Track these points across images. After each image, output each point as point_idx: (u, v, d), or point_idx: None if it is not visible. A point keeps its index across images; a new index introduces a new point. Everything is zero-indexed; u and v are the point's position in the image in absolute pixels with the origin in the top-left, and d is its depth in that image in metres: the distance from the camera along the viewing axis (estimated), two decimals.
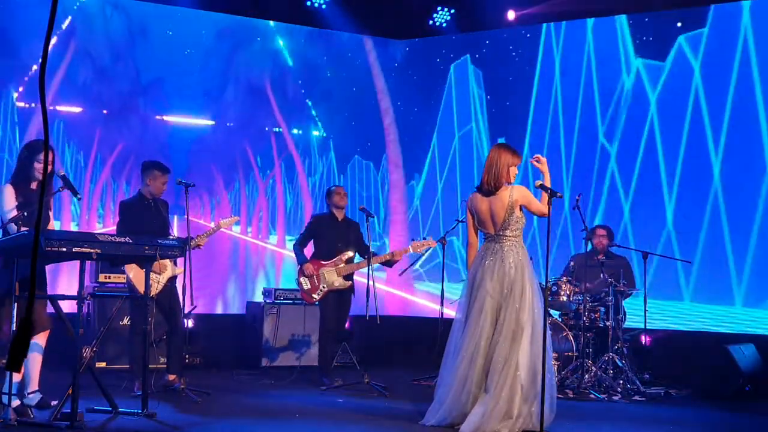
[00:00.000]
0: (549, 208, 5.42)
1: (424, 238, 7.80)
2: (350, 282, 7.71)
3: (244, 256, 10.42)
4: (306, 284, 7.63)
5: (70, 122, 9.31)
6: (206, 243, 7.11)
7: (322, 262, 7.64)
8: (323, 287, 7.58)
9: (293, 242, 7.96)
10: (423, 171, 10.96)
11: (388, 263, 7.80)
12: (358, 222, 8.01)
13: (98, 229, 9.26)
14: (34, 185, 5.52)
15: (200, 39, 10.00)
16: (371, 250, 7.44)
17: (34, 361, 5.41)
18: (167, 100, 9.84)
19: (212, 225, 7.43)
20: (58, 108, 9.24)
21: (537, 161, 5.74)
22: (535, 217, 6.11)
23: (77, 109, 9.37)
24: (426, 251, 8.19)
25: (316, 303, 7.72)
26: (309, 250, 7.88)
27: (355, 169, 10.86)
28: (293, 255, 7.87)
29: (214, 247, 8.97)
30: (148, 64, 9.69)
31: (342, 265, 7.63)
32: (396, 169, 11.06)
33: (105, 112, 9.50)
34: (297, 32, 10.48)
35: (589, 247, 8.23)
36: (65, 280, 8.52)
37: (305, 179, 10.66)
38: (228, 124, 10.26)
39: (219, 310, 9.89)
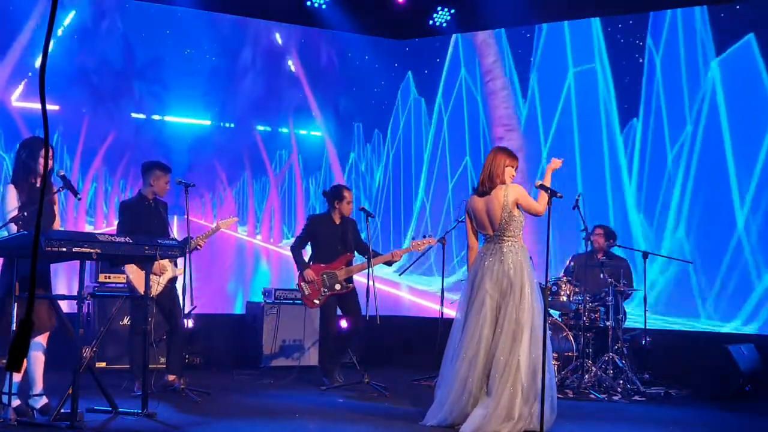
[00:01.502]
0: (548, 208, 5.41)
1: (424, 236, 7.78)
2: (351, 285, 7.69)
3: (252, 258, 10.33)
4: (307, 290, 7.58)
5: (54, 112, 9.07)
6: (206, 244, 7.10)
7: (322, 266, 7.60)
8: (324, 291, 7.55)
9: (290, 245, 7.90)
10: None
11: (388, 263, 7.79)
12: (354, 219, 7.94)
13: (87, 228, 9.19)
14: (38, 182, 5.48)
15: (201, 35, 9.92)
16: (371, 249, 7.43)
17: (37, 361, 5.38)
18: (165, 93, 9.73)
19: (213, 225, 7.41)
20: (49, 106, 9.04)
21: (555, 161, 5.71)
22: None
23: (55, 107, 9.13)
24: (427, 249, 8.14)
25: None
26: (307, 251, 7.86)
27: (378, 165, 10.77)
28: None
29: (214, 247, 8.94)
30: (144, 52, 9.59)
31: (343, 268, 7.61)
32: (508, 134, 9.57)
33: (92, 102, 9.26)
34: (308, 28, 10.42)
35: (589, 247, 8.22)
36: (65, 280, 8.51)
37: (326, 178, 10.46)
38: (227, 124, 10.20)
39: (219, 310, 9.87)
